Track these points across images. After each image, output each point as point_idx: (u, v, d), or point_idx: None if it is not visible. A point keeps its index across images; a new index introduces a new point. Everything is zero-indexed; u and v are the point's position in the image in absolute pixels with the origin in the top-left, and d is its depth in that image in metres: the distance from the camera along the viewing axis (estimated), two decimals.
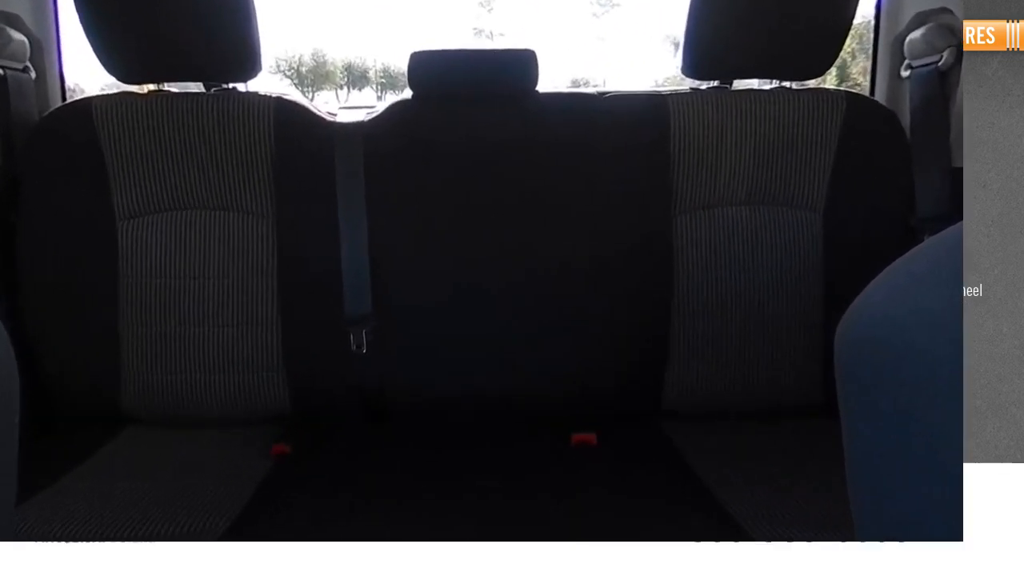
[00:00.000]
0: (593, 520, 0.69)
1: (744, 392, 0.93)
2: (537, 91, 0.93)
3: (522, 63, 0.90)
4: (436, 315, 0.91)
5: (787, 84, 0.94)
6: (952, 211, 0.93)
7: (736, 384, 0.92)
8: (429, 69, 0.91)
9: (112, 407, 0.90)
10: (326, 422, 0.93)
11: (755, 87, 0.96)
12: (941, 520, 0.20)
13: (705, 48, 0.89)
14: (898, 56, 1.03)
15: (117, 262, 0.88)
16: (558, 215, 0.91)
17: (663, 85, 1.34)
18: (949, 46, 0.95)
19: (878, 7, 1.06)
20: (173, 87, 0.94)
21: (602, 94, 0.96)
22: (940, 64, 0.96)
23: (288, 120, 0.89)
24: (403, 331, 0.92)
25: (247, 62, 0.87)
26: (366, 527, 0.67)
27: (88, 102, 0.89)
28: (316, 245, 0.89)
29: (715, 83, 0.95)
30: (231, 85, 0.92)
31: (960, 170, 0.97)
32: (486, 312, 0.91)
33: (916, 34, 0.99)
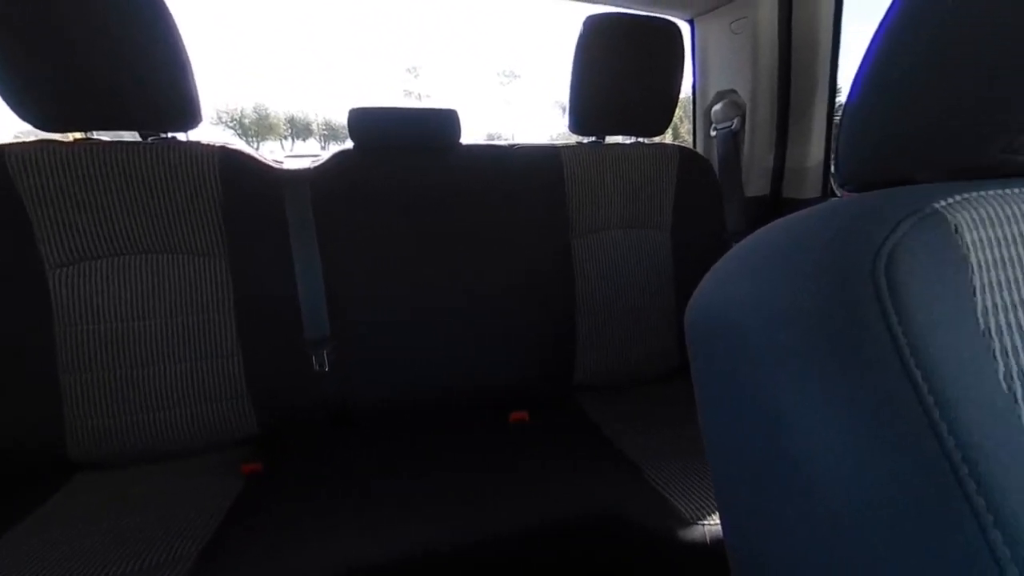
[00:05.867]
0: (532, 475, 0.68)
1: (629, 366, 0.95)
2: (461, 143, 0.88)
3: (446, 121, 0.85)
4: (389, 332, 0.83)
5: (641, 140, 0.98)
6: (747, 227, 1.05)
7: (624, 361, 0.94)
8: (368, 123, 0.82)
9: (59, 456, 0.69)
10: (295, 436, 0.79)
11: (620, 141, 0.99)
12: (761, 450, 0.22)
13: (584, 113, 0.90)
14: (708, 121, 1.14)
15: (51, 310, 0.67)
16: (485, 244, 0.87)
17: (556, 139, 1.36)
18: (737, 115, 1.07)
19: (693, 87, 1.17)
20: (104, 135, 0.73)
21: (512, 146, 0.93)
22: (733, 127, 1.08)
23: (234, 168, 0.74)
24: (361, 348, 0.82)
25: (186, 113, 0.70)
26: (342, 520, 0.59)
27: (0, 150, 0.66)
28: (272, 280, 0.77)
29: (593, 138, 0.96)
30: (170, 135, 0.74)
31: (750, 198, 1.11)
32: (432, 326, 0.84)
33: (717, 107, 1.09)
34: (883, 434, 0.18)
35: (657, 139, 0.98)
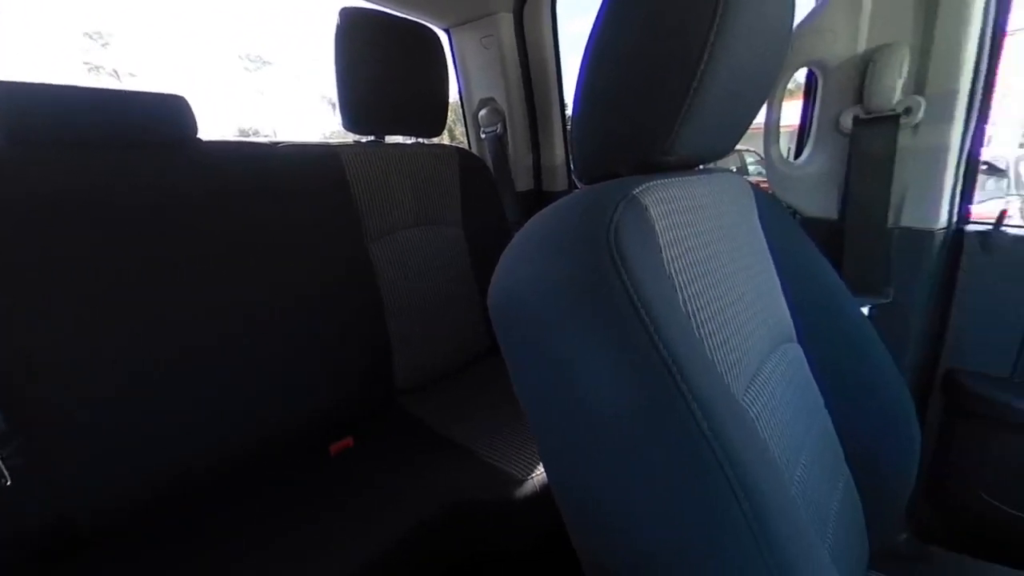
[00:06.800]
0: (372, 497, 0.64)
1: (446, 358, 0.98)
2: (199, 139, 0.69)
3: (172, 109, 0.65)
4: (123, 400, 0.58)
5: (421, 140, 1.00)
6: (522, 217, 1.23)
7: (440, 354, 0.96)
8: (28, 107, 0.55)
9: None
10: None
11: (401, 141, 0.98)
12: (561, 397, 0.27)
13: (357, 110, 0.85)
14: (477, 125, 1.26)
15: None
16: (256, 259, 0.71)
17: (330, 138, 1.24)
18: (499, 121, 1.22)
19: (460, 93, 1.27)
20: None
21: (276, 144, 0.79)
22: (498, 131, 1.23)
23: None
24: (79, 432, 0.56)
25: None
26: None
27: None
28: None
29: (371, 138, 0.93)
30: None
31: (521, 192, 1.29)
32: (199, 372, 0.63)
33: (483, 112, 1.22)
34: (627, 356, 0.24)
35: (435, 140, 1.03)
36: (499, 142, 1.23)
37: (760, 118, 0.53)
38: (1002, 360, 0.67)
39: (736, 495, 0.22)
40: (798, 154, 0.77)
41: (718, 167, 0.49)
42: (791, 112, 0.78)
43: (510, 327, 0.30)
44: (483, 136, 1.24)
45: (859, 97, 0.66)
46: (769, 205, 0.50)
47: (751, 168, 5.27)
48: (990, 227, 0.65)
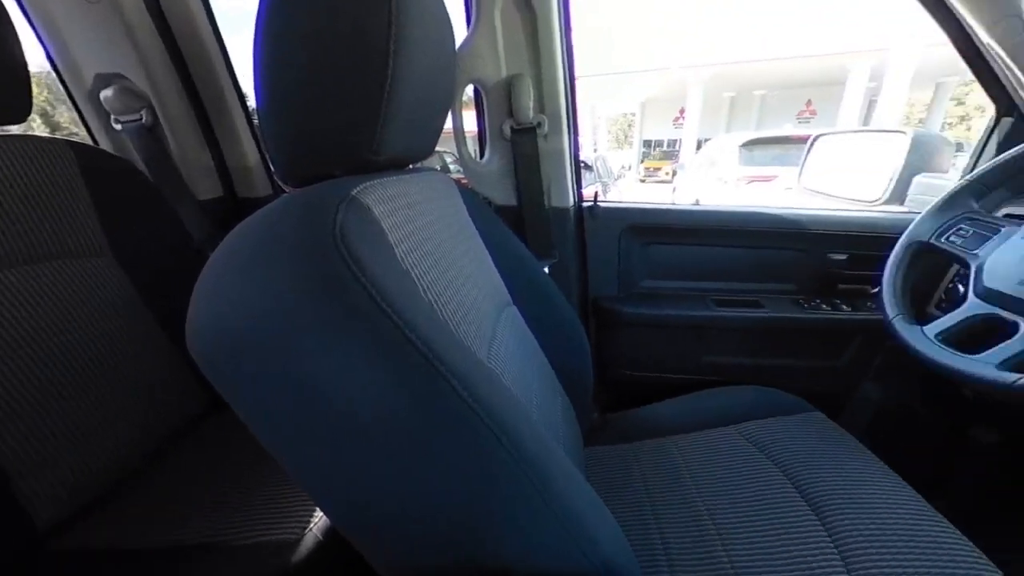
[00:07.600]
0: None
1: (135, 444, 0.68)
2: None
3: None
4: None
5: None
6: (214, 231, 0.97)
7: (124, 444, 0.66)
8: None
9: None
10: None
11: None
12: (317, 421, 0.25)
13: None
14: (103, 110, 0.89)
15: None
16: None
17: None
18: (143, 107, 0.90)
19: (50, 60, 0.84)
20: None
21: None
22: (144, 121, 0.90)
23: None
24: None
25: None
26: None
27: None
28: None
29: None
30: None
31: (207, 201, 1.01)
32: None
33: (108, 94, 0.87)
34: (383, 355, 0.24)
35: (16, 130, 0.66)
36: (150, 136, 0.91)
37: (449, 124, 0.62)
38: (611, 285, 1.07)
39: (500, 439, 0.26)
40: (482, 155, 0.95)
41: (425, 167, 0.54)
42: (469, 120, 0.94)
43: (229, 365, 0.24)
44: (118, 127, 0.89)
45: (511, 111, 0.87)
46: (470, 197, 0.59)
47: (452, 167, 6.09)
48: (592, 203, 1.01)
